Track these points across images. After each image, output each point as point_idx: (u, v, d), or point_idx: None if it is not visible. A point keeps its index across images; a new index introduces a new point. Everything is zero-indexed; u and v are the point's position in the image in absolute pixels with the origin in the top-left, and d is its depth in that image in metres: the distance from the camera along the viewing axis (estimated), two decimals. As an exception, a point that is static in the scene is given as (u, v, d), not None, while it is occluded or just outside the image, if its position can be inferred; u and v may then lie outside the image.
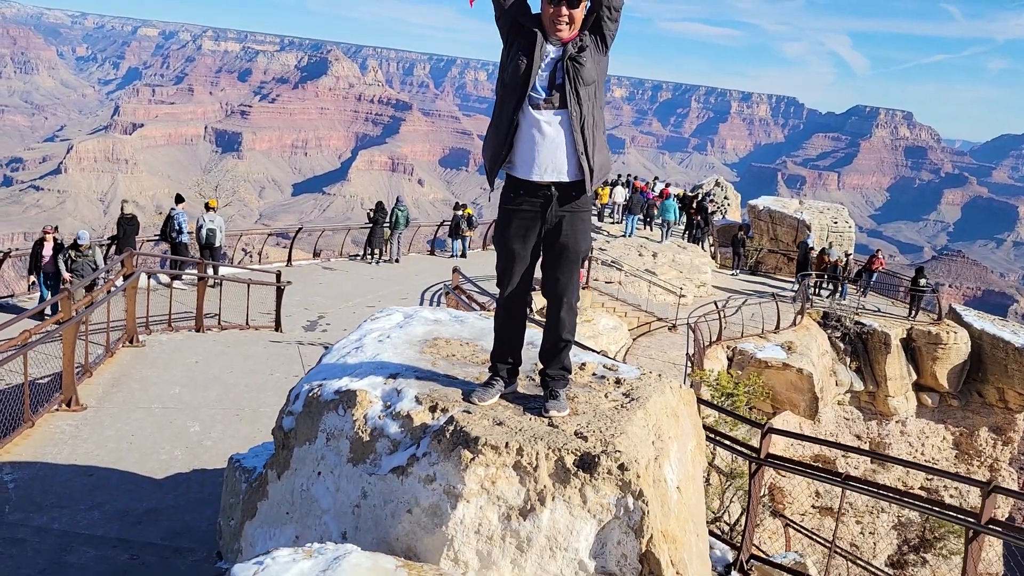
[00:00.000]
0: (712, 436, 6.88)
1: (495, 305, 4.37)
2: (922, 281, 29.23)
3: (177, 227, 18.69)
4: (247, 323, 15.57)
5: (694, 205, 36.03)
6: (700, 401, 8.38)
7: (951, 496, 26.64)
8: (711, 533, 7.87)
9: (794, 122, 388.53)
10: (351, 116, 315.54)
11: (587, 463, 3.61)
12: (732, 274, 34.24)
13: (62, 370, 9.63)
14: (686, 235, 34.73)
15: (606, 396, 4.28)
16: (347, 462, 4.05)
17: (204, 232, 18.87)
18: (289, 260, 24.93)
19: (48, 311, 12.44)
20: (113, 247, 18.37)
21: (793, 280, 31.65)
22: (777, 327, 24.84)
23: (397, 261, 26.41)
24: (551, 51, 3.86)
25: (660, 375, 4.64)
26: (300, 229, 28.54)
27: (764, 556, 7.63)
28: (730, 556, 7.36)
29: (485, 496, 3.62)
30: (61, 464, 8.12)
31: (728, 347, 23.46)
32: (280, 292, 16.08)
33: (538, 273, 4.19)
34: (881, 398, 27.72)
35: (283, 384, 8.83)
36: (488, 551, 3.63)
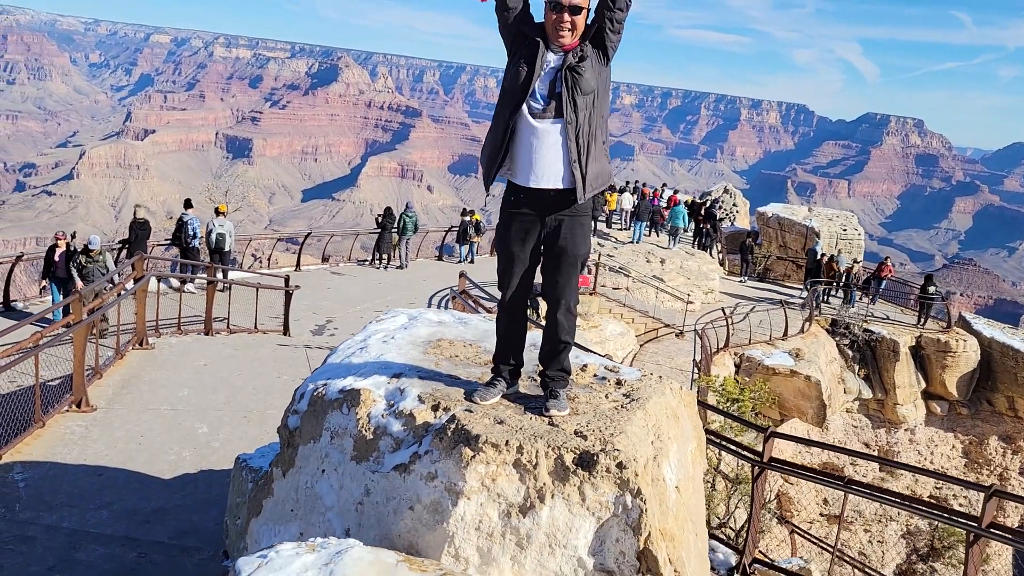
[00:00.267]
0: (715, 439, 6.92)
1: (497, 307, 4.44)
2: (931, 289, 29.15)
3: (191, 232, 18.83)
4: (255, 327, 15.68)
5: (702, 212, 36.04)
6: (703, 405, 8.42)
7: (960, 505, 26.53)
8: (715, 538, 7.91)
9: (804, 129, 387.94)
10: (361, 122, 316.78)
11: (586, 461, 3.66)
12: (740, 281, 34.22)
13: (72, 372, 9.75)
14: (695, 243, 34.73)
15: (606, 397, 4.34)
16: (351, 460, 4.11)
17: (214, 236, 18.99)
18: (298, 265, 25.07)
19: (56, 315, 12.53)
20: (124, 251, 18.52)
21: (801, 287, 31.61)
22: (785, 334, 24.82)
23: (404, 267, 26.50)
24: (552, 60, 3.94)
25: (661, 377, 4.69)
26: (309, 234, 28.68)
27: (767, 560, 7.66)
28: (733, 560, 7.40)
29: (486, 493, 3.68)
30: (71, 464, 8.22)
31: (735, 354, 23.44)
32: (289, 296, 16.19)
33: (539, 277, 4.26)
34: (890, 406, 27.64)
35: (290, 387, 8.88)
36: (488, 548, 3.68)
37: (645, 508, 3.63)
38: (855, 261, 32.86)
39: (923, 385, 28.07)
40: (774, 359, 23.56)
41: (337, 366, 4.68)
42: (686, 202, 37.72)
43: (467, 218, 29.60)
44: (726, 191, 48.27)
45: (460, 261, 28.81)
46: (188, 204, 19.86)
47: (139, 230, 18.08)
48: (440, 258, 30.81)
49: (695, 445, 4.66)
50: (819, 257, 31.02)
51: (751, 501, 7.22)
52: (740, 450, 6.94)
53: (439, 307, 20.10)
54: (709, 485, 11.14)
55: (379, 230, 26.82)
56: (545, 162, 3.93)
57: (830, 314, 28.67)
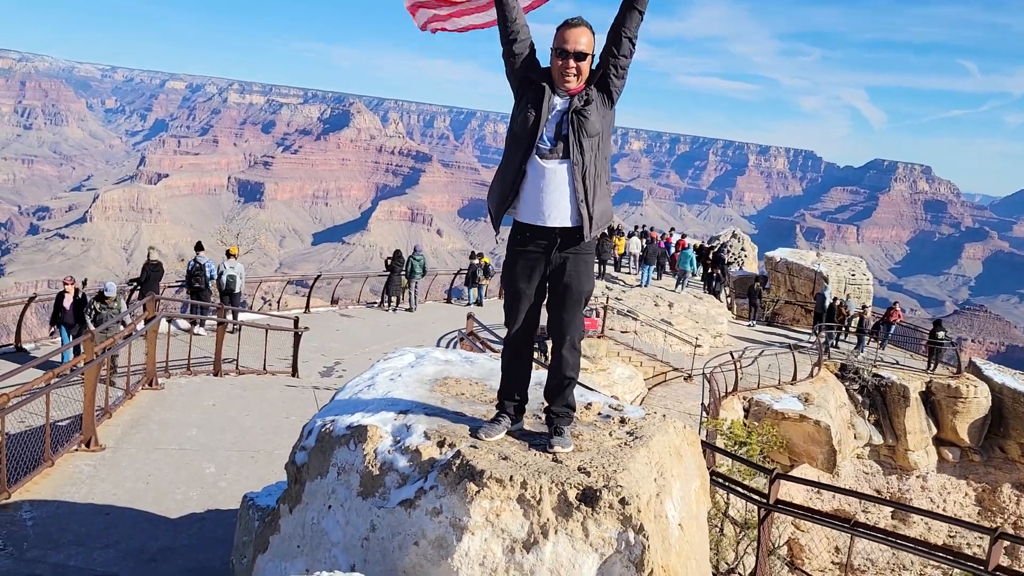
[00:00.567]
0: (719, 480, 6.91)
1: (502, 344, 4.52)
2: (940, 334, 29.02)
3: (211, 275, 18.97)
4: (264, 368, 15.77)
5: (711, 256, 36.17)
6: (708, 446, 8.41)
7: (975, 554, 26.11)
8: (722, 581, 7.85)
9: (812, 175, 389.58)
10: (372, 167, 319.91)
11: (589, 497, 3.70)
12: (748, 325, 34.18)
13: (82, 412, 9.82)
14: (705, 287, 34.79)
15: (610, 434, 4.38)
16: (357, 495, 4.16)
17: (225, 278, 19.16)
18: (307, 307, 25.20)
19: (66, 356, 12.55)
20: (136, 292, 18.68)
21: (810, 332, 31.54)
22: (794, 378, 24.73)
23: (413, 309, 26.59)
24: (558, 103, 4.08)
25: (664, 415, 4.74)
26: (319, 277, 28.86)
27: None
28: (740, 604, 7.34)
29: (490, 529, 3.72)
30: (79, 503, 8.26)
31: (744, 398, 23.34)
32: (298, 338, 16.29)
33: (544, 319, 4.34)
34: (901, 452, 27.37)
35: (298, 427, 8.88)
36: (492, 583, 3.71)
37: (648, 544, 3.65)
38: (864, 306, 32.79)
39: (934, 431, 27.82)
40: (783, 404, 23.44)
41: (345, 403, 4.74)
42: (695, 246, 37.88)
43: (476, 261, 29.78)
44: (734, 236, 48.40)
45: (468, 304, 28.92)
46: (200, 247, 20.06)
47: (152, 271, 18.27)
48: (449, 301, 30.93)
49: (699, 484, 4.69)
50: (834, 301, 30.91)
51: (758, 544, 7.19)
52: (745, 491, 6.93)
53: (447, 348, 20.13)
54: (718, 530, 11.05)
55: (388, 273, 26.99)
56: (552, 201, 4.05)
57: (839, 359, 28.56)
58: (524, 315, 4.25)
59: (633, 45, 4.04)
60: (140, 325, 13.14)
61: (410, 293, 26.86)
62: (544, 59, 4.18)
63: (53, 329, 15.59)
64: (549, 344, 4.47)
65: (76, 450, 9.53)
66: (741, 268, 42.81)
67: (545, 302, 4.27)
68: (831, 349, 29.14)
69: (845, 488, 17.10)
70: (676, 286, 32.26)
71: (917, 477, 27.83)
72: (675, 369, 25.14)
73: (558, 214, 4.06)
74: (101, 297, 14.39)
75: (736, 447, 13.85)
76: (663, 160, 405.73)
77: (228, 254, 19.93)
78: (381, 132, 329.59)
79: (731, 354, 23.73)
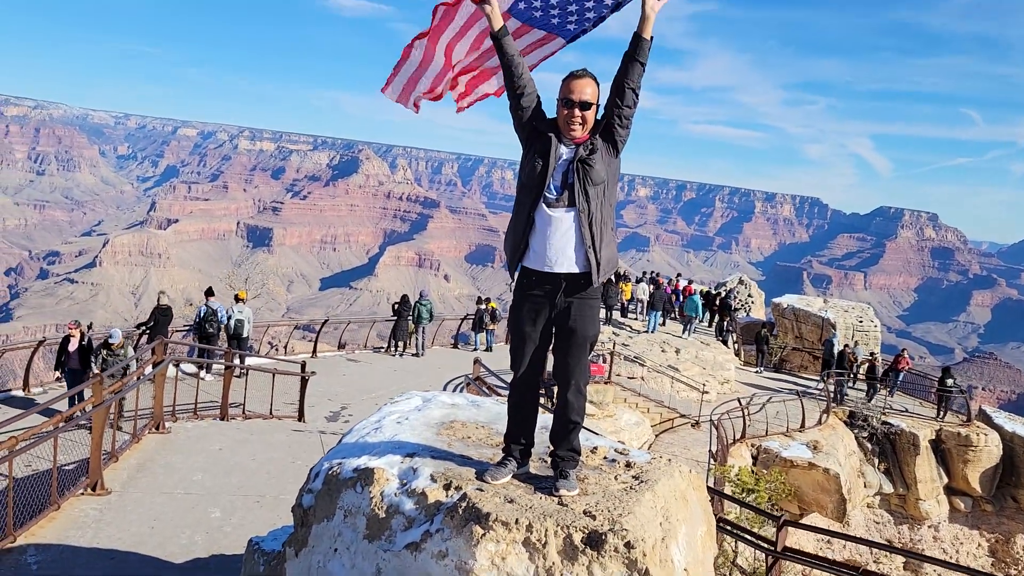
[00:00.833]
0: (728, 527, 6.87)
1: (509, 387, 4.57)
2: (949, 381, 28.84)
3: (222, 320, 19.06)
4: (271, 412, 15.76)
5: (717, 302, 36.20)
6: (716, 493, 8.37)
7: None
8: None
9: (818, 222, 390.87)
10: (380, 213, 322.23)
11: (594, 541, 3.71)
12: (756, 371, 34.05)
13: (89, 455, 9.83)
14: (717, 335, 34.73)
15: (616, 478, 4.40)
16: (363, 538, 4.17)
17: (233, 322, 19.25)
18: (314, 352, 25.25)
19: (68, 403, 12.54)
20: (144, 336, 18.74)
21: (818, 379, 31.38)
22: (802, 426, 24.56)
23: (419, 355, 26.58)
24: (564, 152, 4.20)
25: (670, 460, 4.75)
26: (326, 321, 28.96)
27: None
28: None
29: (495, 572, 3.72)
30: (83, 547, 8.24)
31: (752, 445, 23.18)
32: (304, 382, 16.30)
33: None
34: (912, 501, 27.03)
35: (304, 471, 8.89)
36: (498, 628, 3.70)
37: (653, 589, 3.65)
38: (872, 354, 32.64)
39: (945, 480, 27.50)
40: (792, 451, 23.25)
41: (352, 446, 4.78)
42: (701, 292, 37.92)
43: (483, 306, 29.86)
44: (741, 282, 48.44)
45: (475, 349, 28.92)
46: (211, 292, 20.14)
47: (161, 315, 18.36)
48: (456, 346, 30.94)
49: (705, 529, 4.68)
50: (843, 348, 30.75)
51: (766, 592, 7.12)
52: (753, 538, 6.88)
53: (453, 393, 20.10)
54: (725, 578, 10.93)
55: (395, 318, 27.06)
56: (559, 248, 4.15)
57: (848, 405, 28.36)
58: (529, 359, 4.31)
59: (636, 96, 4.15)
60: (148, 369, 13.19)
61: (417, 338, 26.89)
62: (551, 110, 4.32)
63: (58, 375, 15.51)
64: (555, 388, 4.52)
65: (82, 494, 9.53)
66: (748, 314, 42.78)
67: (551, 347, 4.34)
68: (843, 397, 28.88)
69: (855, 536, 16.92)
70: (683, 332, 32.23)
71: (929, 527, 27.44)
72: (682, 415, 25.00)
73: (565, 260, 4.15)
74: (107, 344, 14.25)
75: (744, 494, 13.74)
76: (670, 207, 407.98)
77: (237, 299, 20.04)
78: (389, 178, 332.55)
79: (739, 401, 23.60)
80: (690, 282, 40.22)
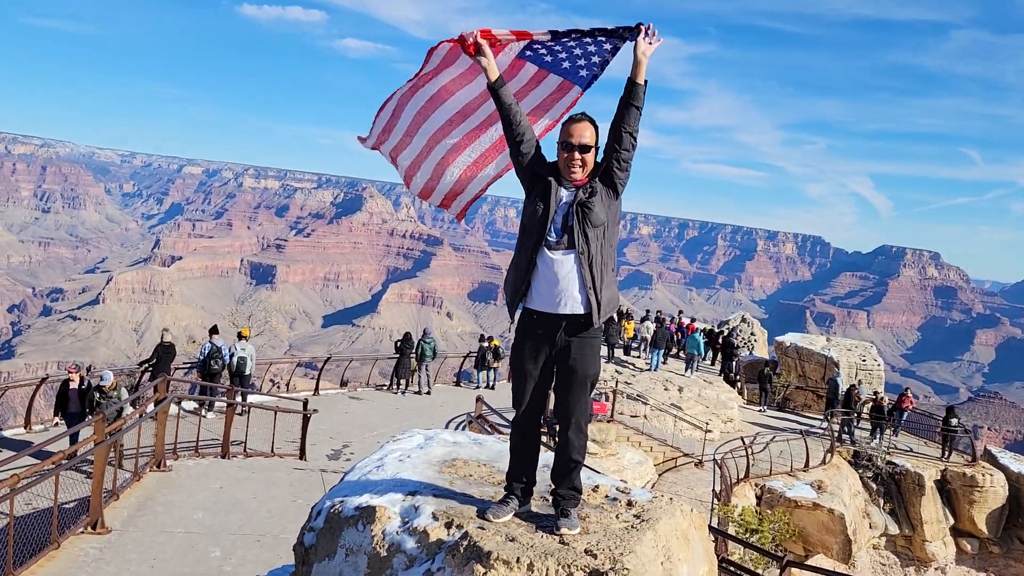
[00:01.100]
0: (729, 567, 6.83)
1: (511, 425, 4.59)
2: (953, 421, 28.66)
3: (226, 358, 19.07)
4: (272, 450, 15.71)
5: (720, 341, 36.17)
6: (719, 533, 8.31)
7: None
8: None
9: (820, 260, 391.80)
10: (383, 250, 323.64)
11: (596, 580, 3.71)
12: (759, 410, 33.90)
13: (90, 494, 9.80)
14: (721, 374, 34.66)
15: (617, 517, 4.40)
16: (364, 577, 4.16)
17: (235, 360, 19.26)
18: (316, 389, 25.19)
19: (69, 442, 12.44)
20: (147, 373, 18.73)
21: (822, 417, 31.21)
22: (806, 465, 24.39)
23: (428, 393, 26.48)
24: (564, 195, 4.28)
25: (672, 499, 4.75)
26: (328, 359, 28.91)
27: None
28: None
29: (496, 611, 3.72)
30: (82, 586, 8.18)
31: (756, 484, 23.01)
32: (306, 420, 16.27)
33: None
34: (918, 543, 26.73)
35: (305, 510, 8.86)
36: (498, 668, 3.68)
37: (655, 629, 3.64)
38: (875, 393, 32.47)
39: (951, 521, 27.21)
40: (796, 491, 23.07)
41: (354, 484, 4.78)
42: (704, 330, 37.88)
43: (485, 344, 29.83)
44: (744, 320, 48.40)
45: (478, 387, 28.85)
46: (215, 330, 20.16)
47: (164, 353, 18.36)
48: (458, 384, 30.86)
49: (706, 569, 4.66)
50: (850, 388, 30.56)
51: (770, 634, 7.05)
52: (756, 579, 6.83)
53: (455, 431, 20.01)
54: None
55: (398, 356, 27.04)
56: (560, 289, 4.20)
57: (852, 445, 28.16)
58: (531, 397, 4.34)
59: (634, 140, 4.24)
60: (150, 407, 13.18)
61: (420, 376, 26.83)
62: (550, 153, 4.41)
63: (57, 420, 15.43)
64: (557, 427, 4.54)
65: (82, 532, 9.48)
66: (751, 353, 42.69)
67: (553, 385, 4.37)
68: (849, 437, 28.65)
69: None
70: (686, 370, 32.18)
71: (936, 569, 27.09)
72: (686, 454, 24.85)
73: (567, 302, 4.21)
74: (98, 387, 14.04)
75: (748, 534, 13.62)
76: (672, 245, 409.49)
77: (240, 336, 20.07)
78: (393, 216, 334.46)
79: (742, 440, 23.49)
80: (692, 320, 40.22)
